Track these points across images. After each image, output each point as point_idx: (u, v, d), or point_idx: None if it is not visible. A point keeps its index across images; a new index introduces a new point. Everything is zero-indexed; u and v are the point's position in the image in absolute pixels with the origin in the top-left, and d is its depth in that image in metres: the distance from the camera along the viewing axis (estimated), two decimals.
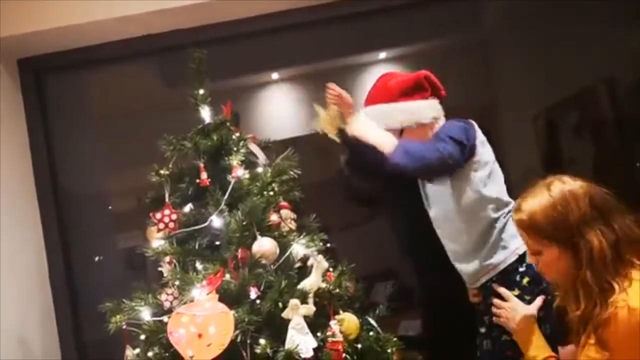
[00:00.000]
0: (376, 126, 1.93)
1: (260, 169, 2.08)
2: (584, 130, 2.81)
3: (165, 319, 1.78)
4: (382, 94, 2.01)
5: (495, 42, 2.89)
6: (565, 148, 2.81)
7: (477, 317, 2.07)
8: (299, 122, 2.80)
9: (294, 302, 1.73)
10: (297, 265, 1.97)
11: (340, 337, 1.82)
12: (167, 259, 1.94)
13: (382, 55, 2.89)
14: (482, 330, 2.04)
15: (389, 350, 1.96)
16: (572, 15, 2.69)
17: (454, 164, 1.85)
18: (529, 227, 1.57)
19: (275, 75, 2.93)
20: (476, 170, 1.92)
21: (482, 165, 1.93)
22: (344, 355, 1.82)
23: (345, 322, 1.90)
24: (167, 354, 1.78)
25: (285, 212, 2.08)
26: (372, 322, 2.10)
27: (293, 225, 2.08)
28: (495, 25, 2.87)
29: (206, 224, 1.92)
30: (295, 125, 2.81)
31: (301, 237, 1.99)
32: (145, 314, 1.84)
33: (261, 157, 2.15)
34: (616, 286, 1.47)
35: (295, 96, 2.87)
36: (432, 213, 2.06)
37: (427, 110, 1.98)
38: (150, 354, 1.81)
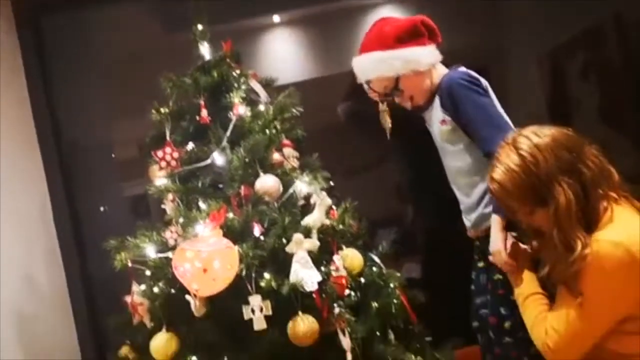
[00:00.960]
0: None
1: (262, 107, 2.05)
2: (590, 71, 2.77)
3: (170, 255, 1.79)
4: (377, 41, 1.93)
5: None
6: (571, 90, 2.79)
7: (475, 250, 2.07)
8: (300, 66, 2.76)
9: (298, 236, 1.74)
10: (301, 203, 1.97)
11: (344, 272, 1.83)
12: (170, 196, 1.93)
13: None
14: (480, 264, 2.05)
15: (391, 285, 1.98)
16: None
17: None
18: (504, 199, 1.56)
19: (276, 19, 2.86)
20: None
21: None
22: (347, 289, 1.84)
23: (349, 258, 1.91)
24: (172, 290, 1.80)
25: (288, 151, 2.07)
26: (376, 258, 2.12)
27: (296, 164, 2.06)
28: None
29: (208, 161, 1.91)
30: (296, 70, 2.76)
31: (304, 175, 1.97)
32: (150, 251, 1.85)
33: (262, 95, 2.12)
34: (579, 243, 1.45)
35: (296, 40, 2.81)
36: (445, 164, 2.04)
37: (423, 57, 1.91)
38: (156, 289, 1.83)
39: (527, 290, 1.72)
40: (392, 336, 1.96)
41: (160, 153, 1.93)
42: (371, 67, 1.91)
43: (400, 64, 1.89)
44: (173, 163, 1.94)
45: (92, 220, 2.72)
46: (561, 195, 1.47)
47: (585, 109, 2.75)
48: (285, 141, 2.07)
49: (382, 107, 1.97)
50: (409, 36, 1.92)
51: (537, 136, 1.52)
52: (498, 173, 1.54)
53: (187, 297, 1.69)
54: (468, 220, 2.04)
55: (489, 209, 1.91)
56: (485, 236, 1.95)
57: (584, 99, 2.76)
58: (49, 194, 2.63)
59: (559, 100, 2.80)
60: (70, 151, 2.71)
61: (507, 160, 1.53)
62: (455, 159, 1.97)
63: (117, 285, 1.98)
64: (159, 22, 2.80)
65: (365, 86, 1.96)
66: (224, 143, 1.90)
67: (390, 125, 2.00)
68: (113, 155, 2.87)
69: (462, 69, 1.94)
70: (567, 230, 1.47)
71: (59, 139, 2.69)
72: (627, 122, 2.73)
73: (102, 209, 2.78)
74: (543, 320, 1.61)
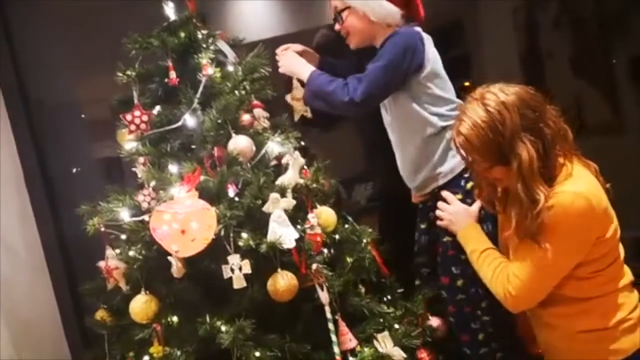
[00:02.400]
0: (305, 63, 2.02)
1: (230, 68, 2.03)
2: (563, 23, 2.78)
3: (145, 218, 1.79)
4: None
5: None
6: (544, 41, 2.78)
7: (419, 213, 2.17)
8: (271, 22, 2.68)
9: (274, 195, 1.76)
10: (273, 163, 1.98)
11: (319, 229, 1.87)
12: (141, 160, 1.91)
13: None
14: (423, 226, 2.16)
15: (364, 241, 2.04)
16: None
17: (363, 105, 1.90)
18: (469, 152, 1.62)
19: None
20: (423, 84, 1.95)
21: (429, 79, 1.95)
22: (322, 246, 1.88)
23: (323, 216, 1.94)
24: (149, 252, 1.80)
25: (258, 111, 2.07)
26: (348, 217, 2.17)
27: (267, 124, 2.07)
28: None
29: (179, 123, 1.89)
30: (266, 26, 2.68)
31: (276, 135, 1.98)
32: (124, 215, 1.84)
33: (230, 55, 2.09)
34: (542, 195, 1.54)
35: None
36: (386, 120, 2.12)
37: (380, 11, 1.95)
38: (131, 253, 1.82)
39: (482, 246, 1.80)
40: (362, 290, 2.02)
41: (129, 116, 1.90)
42: None
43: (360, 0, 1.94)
44: (143, 126, 1.91)
45: (65, 181, 2.65)
46: (524, 151, 1.54)
47: (558, 61, 2.76)
48: (255, 102, 2.06)
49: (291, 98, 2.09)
50: None
51: (504, 93, 1.58)
52: (465, 127, 1.60)
53: (169, 258, 1.70)
54: (412, 182, 2.12)
55: (438, 169, 1.99)
56: (432, 199, 2.05)
57: (556, 51, 2.76)
58: (19, 156, 2.55)
59: (533, 52, 2.81)
60: (39, 111, 2.62)
61: (474, 116, 1.58)
62: (399, 116, 2.03)
63: (94, 247, 1.96)
64: None
65: None
66: (195, 105, 1.88)
67: (301, 114, 2.10)
68: (82, 116, 2.80)
69: (415, 30, 1.98)
70: (531, 184, 1.55)
71: (27, 99, 2.60)
72: (599, 74, 2.76)
73: (74, 170, 2.72)
74: (504, 269, 1.70)
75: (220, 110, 1.86)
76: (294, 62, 2.07)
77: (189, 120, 1.89)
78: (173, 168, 1.87)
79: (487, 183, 1.74)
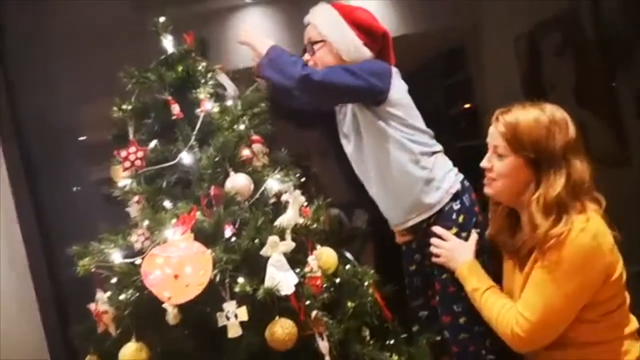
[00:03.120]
0: (261, 36, 2.01)
1: (229, 102, 1.97)
2: (566, 52, 2.77)
3: (137, 260, 1.71)
4: (349, 12, 1.99)
5: None
6: (546, 70, 2.77)
7: (405, 256, 2.13)
8: None
9: (273, 239, 1.68)
10: (272, 200, 1.91)
11: (318, 272, 1.79)
12: (136, 198, 1.84)
13: None
14: (412, 268, 2.11)
15: (366, 283, 1.96)
16: None
17: (315, 87, 1.87)
18: (508, 133, 1.65)
19: None
20: (393, 113, 1.94)
21: (399, 107, 1.95)
22: (322, 289, 1.80)
23: (324, 257, 1.87)
24: (140, 296, 1.72)
25: (258, 147, 2.00)
26: (349, 255, 2.09)
27: (266, 160, 2.00)
28: None
29: (176, 160, 1.83)
30: None
31: (275, 172, 1.91)
32: (116, 256, 1.76)
33: (230, 88, 2.03)
34: (575, 209, 1.58)
35: (268, 22, 2.68)
36: (349, 149, 2.09)
37: (354, 52, 1.96)
38: (122, 296, 1.74)
39: (484, 284, 1.76)
40: (367, 333, 1.93)
41: (123, 153, 1.84)
42: (323, 16, 2.00)
43: (338, 37, 1.96)
44: (138, 163, 1.84)
45: (60, 216, 2.55)
46: (578, 164, 1.61)
47: (561, 90, 2.74)
48: (255, 137, 2.00)
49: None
50: (368, 33, 1.98)
51: (566, 115, 1.67)
52: (525, 114, 1.65)
53: (165, 305, 1.61)
54: (393, 217, 2.07)
55: (422, 202, 1.95)
56: (417, 239, 2.02)
57: (559, 80, 2.75)
58: (9, 182, 2.46)
59: (535, 81, 2.78)
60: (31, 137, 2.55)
61: (538, 113, 1.64)
62: (374, 145, 1.98)
63: (88, 287, 1.87)
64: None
65: (305, 23, 2.04)
66: (192, 141, 1.81)
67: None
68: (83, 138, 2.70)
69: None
70: (576, 195, 1.60)
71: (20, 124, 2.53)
72: (602, 104, 2.74)
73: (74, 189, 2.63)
74: (511, 309, 1.65)
75: (218, 148, 1.79)
76: (256, 35, 2.03)
77: (186, 157, 1.82)
78: (168, 206, 1.80)
79: (503, 215, 1.76)
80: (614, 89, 2.74)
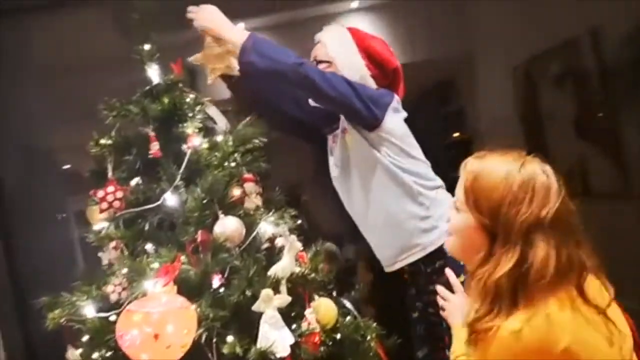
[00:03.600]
0: (227, 20, 1.82)
1: (219, 137, 1.80)
2: (565, 83, 2.72)
3: (112, 316, 1.51)
4: (364, 40, 1.92)
5: None
6: (544, 102, 2.72)
7: (407, 302, 1.98)
8: None
9: (267, 292, 1.50)
10: (265, 246, 1.73)
11: (317, 328, 1.61)
12: (113, 244, 1.65)
13: (354, 4, 2.68)
14: (415, 315, 1.95)
15: (368, 338, 1.77)
16: None
17: (310, 86, 1.75)
18: (468, 185, 1.30)
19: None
20: (383, 137, 1.83)
21: (393, 137, 1.84)
22: (322, 348, 1.61)
23: (322, 309, 1.68)
24: (115, 355, 1.52)
25: (250, 186, 1.82)
26: (349, 305, 1.90)
27: (259, 201, 1.83)
28: None
29: (159, 202, 1.65)
30: None
31: (269, 214, 1.74)
32: (89, 310, 1.57)
33: (221, 122, 1.87)
34: (525, 301, 1.22)
35: None
36: (339, 179, 1.97)
37: (360, 80, 1.86)
38: (95, 355, 1.55)
39: (459, 350, 1.51)
40: None
41: (101, 193, 1.66)
42: (336, 37, 1.91)
43: (345, 62, 1.87)
44: (116, 204, 1.66)
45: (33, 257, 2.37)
46: (542, 250, 1.21)
47: (560, 123, 2.68)
48: (247, 175, 1.82)
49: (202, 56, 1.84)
50: (378, 66, 1.90)
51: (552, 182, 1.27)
52: (495, 167, 1.28)
53: None
54: (383, 254, 1.92)
55: (415, 240, 1.80)
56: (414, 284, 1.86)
57: (557, 112, 2.69)
58: None
59: (533, 112, 2.73)
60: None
61: (511, 170, 1.27)
62: (367, 175, 1.86)
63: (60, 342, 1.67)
64: (110, 27, 2.49)
65: (316, 40, 1.96)
66: (178, 181, 1.64)
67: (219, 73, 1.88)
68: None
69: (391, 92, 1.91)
70: (524, 287, 1.21)
71: None
72: (602, 136, 2.66)
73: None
74: None
75: (207, 189, 1.62)
76: (219, 19, 1.82)
77: (170, 198, 1.65)
78: (150, 252, 1.61)
79: None
80: (617, 121, 2.65)
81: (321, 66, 1.90)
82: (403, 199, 1.83)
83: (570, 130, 2.67)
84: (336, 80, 1.78)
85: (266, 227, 1.72)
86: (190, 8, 1.83)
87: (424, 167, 1.90)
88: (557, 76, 2.70)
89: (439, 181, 1.92)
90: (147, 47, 1.78)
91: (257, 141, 1.81)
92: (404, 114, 1.92)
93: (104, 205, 1.66)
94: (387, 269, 1.96)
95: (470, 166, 1.32)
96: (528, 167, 1.27)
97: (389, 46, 1.98)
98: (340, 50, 1.90)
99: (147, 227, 1.67)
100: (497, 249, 1.25)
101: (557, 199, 1.25)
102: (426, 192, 1.85)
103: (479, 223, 1.27)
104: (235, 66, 1.83)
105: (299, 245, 1.69)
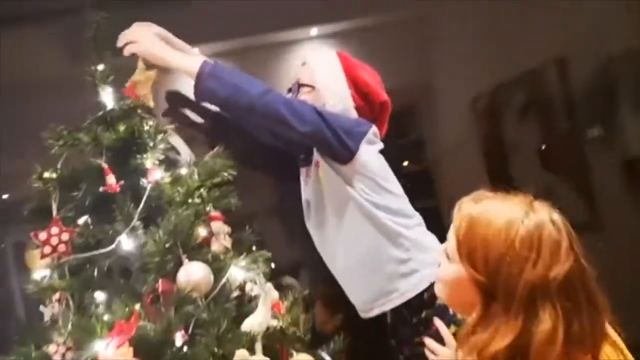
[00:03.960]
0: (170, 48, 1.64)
1: (184, 170, 1.59)
2: (529, 114, 2.65)
3: None
4: (353, 69, 1.79)
5: (432, 19, 2.66)
6: (507, 132, 2.65)
7: (389, 354, 1.81)
8: None
9: (242, 354, 1.28)
10: (235, 294, 1.52)
11: None
12: (57, 295, 1.41)
13: (313, 32, 2.56)
14: None
15: None
16: None
17: (277, 118, 1.61)
18: (461, 232, 1.10)
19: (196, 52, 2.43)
20: (358, 170, 1.69)
21: (368, 171, 1.70)
22: None
23: None
24: None
25: (218, 226, 1.62)
26: (327, 358, 1.70)
27: (228, 242, 1.62)
28: (434, 2, 2.63)
29: (113, 246, 1.41)
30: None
31: (241, 257, 1.53)
32: None
33: (185, 152, 1.66)
34: None
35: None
36: (310, 217, 1.82)
37: (342, 111, 1.75)
38: None
39: None
40: None
41: (43, 235, 1.41)
42: (324, 62, 1.80)
43: (330, 89, 1.76)
44: (61, 248, 1.42)
45: None
46: (547, 322, 1.02)
47: (524, 153, 2.61)
48: (214, 213, 1.62)
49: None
50: (365, 98, 1.79)
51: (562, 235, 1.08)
52: (495, 211, 1.08)
53: None
54: (359, 302, 1.77)
55: (394, 284, 1.65)
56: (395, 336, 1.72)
57: (521, 143, 2.63)
58: None
59: (495, 142, 2.66)
60: None
61: (515, 218, 1.07)
62: (340, 211, 1.71)
63: None
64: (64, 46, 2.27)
65: (301, 62, 1.85)
66: (135, 221, 1.41)
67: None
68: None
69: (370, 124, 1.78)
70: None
71: None
72: (569, 168, 2.61)
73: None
74: None
75: (170, 230, 1.40)
76: (157, 44, 1.63)
77: (126, 241, 1.42)
78: (100, 308, 1.38)
79: None
80: (583, 151, 2.60)
81: (304, 90, 1.77)
82: (380, 240, 1.68)
83: (535, 160, 2.60)
84: (305, 110, 1.63)
85: (236, 273, 1.51)
86: (124, 33, 1.64)
87: (403, 202, 1.75)
88: (520, 106, 2.65)
89: (418, 218, 1.77)
90: (100, 67, 1.56)
91: (226, 174, 1.61)
92: (380, 145, 1.77)
93: (47, 249, 1.41)
94: (363, 315, 1.79)
95: (465, 210, 1.12)
96: (534, 217, 1.07)
97: (379, 78, 1.85)
98: (326, 77, 1.77)
99: (96, 277, 1.43)
100: (494, 311, 1.05)
101: (568, 257, 1.05)
102: (406, 232, 1.70)
103: (472, 278, 1.07)
104: (149, 97, 1.64)
105: (275, 295, 1.48)
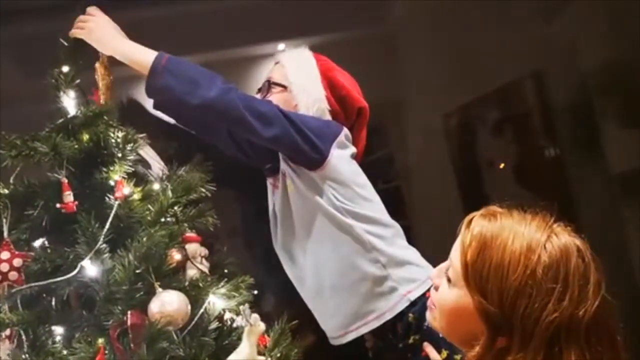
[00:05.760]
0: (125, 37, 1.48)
1: (156, 185, 1.42)
2: (504, 129, 2.61)
3: None
4: (331, 67, 1.69)
5: (402, 33, 2.62)
6: (481, 149, 2.62)
7: None
8: None
9: None
10: (214, 325, 1.35)
11: None
12: (7, 331, 1.21)
13: (281, 47, 2.48)
14: None
15: None
16: (491, 7, 2.43)
17: (238, 117, 1.45)
18: (468, 254, 0.96)
19: None
20: (331, 180, 1.56)
21: (340, 176, 1.57)
22: None
23: None
24: None
25: (194, 248, 1.45)
26: None
27: (205, 267, 1.45)
28: (404, 17, 2.63)
29: (74, 272, 1.23)
30: None
31: (220, 284, 1.36)
32: None
33: (156, 166, 1.50)
34: None
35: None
36: (277, 232, 1.66)
37: (318, 109, 1.63)
38: None
39: None
40: None
41: None
42: (299, 61, 1.68)
43: (304, 90, 1.63)
44: (13, 275, 1.23)
45: None
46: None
47: (499, 170, 2.57)
48: (190, 234, 1.45)
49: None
50: (341, 102, 1.67)
51: (588, 261, 0.93)
52: (512, 233, 0.94)
53: None
54: (331, 327, 1.62)
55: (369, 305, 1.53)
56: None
57: (497, 158, 2.58)
58: None
59: (468, 158, 2.63)
60: None
61: (537, 243, 0.93)
62: (308, 224, 1.57)
63: None
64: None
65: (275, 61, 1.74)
66: (100, 244, 1.23)
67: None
68: None
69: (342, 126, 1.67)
70: None
71: None
72: (545, 184, 2.55)
73: None
74: None
75: (141, 255, 1.22)
76: (108, 32, 1.46)
77: (90, 268, 1.23)
78: (58, 346, 1.19)
79: None
80: (562, 167, 2.57)
81: (274, 90, 1.64)
82: (353, 256, 1.53)
83: (510, 177, 2.55)
84: (268, 111, 1.49)
85: (215, 301, 1.34)
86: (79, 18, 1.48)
87: (380, 211, 1.61)
88: (494, 122, 2.60)
89: (396, 228, 1.63)
90: (65, 69, 1.39)
91: (203, 190, 1.44)
92: (353, 150, 1.64)
93: None
94: (335, 342, 1.63)
95: (477, 228, 0.97)
96: (557, 241, 0.93)
97: (358, 85, 1.73)
98: (300, 77, 1.65)
99: (54, 309, 1.24)
100: (503, 346, 0.91)
101: (598, 292, 0.91)
102: (381, 245, 1.55)
103: (481, 309, 0.92)
104: (106, 96, 1.47)
105: (262, 327, 1.31)
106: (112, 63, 1.49)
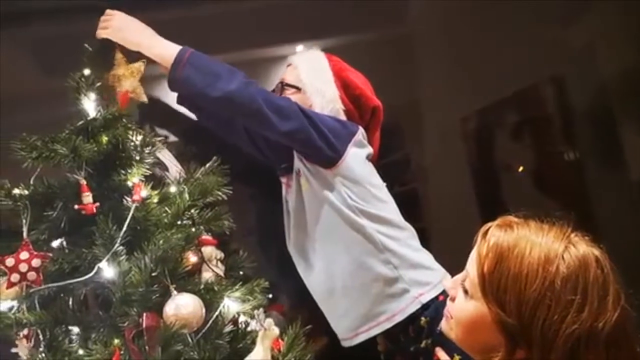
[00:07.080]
0: (151, 32, 1.51)
1: (173, 188, 1.42)
2: (520, 133, 2.54)
3: None
4: (344, 71, 1.68)
5: (419, 35, 2.56)
6: (499, 152, 2.54)
7: None
8: None
9: None
10: (229, 328, 1.36)
11: None
12: (25, 332, 1.23)
13: (298, 49, 2.43)
14: None
15: None
16: (508, 11, 2.40)
17: (256, 112, 1.47)
18: (485, 266, 0.95)
19: None
20: (346, 179, 1.56)
21: (355, 175, 1.58)
22: None
23: None
24: None
25: (209, 251, 1.45)
26: None
27: (221, 270, 1.45)
28: (421, 19, 2.56)
29: (91, 274, 1.24)
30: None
31: (235, 287, 1.37)
32: None
33: (173, 169, 1.50)
34: None
35: None
36: (290, 231, 1.66)
37: (333, 109, 1.63)
38: None
39: None
40: None
41: (10, 260, 1.23)
42: (312, 63, 1.69)
43: (318, 91, 1.63)
44: (32, 276, 1.24)
45: None
46: None
47: (518, 175, 2.50)
48: (206, 237, 1.45)
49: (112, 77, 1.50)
50: (355, 101, 1.67)
51: (607, 271, 0.93)
52: (530, 243, 0.93)
53: None
54: (341, 328, 1.61)
55: (379, 307, 1.52)
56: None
57: (516, 161, 2.51)
58: None
59: (486, 161, 2.57)
60: None
61: (555, 254, 0.92)
62: (321, 223, 1.57)
63: None
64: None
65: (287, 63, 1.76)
66: (117, 246, 1.24)
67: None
68: None
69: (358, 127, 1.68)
70: None
71: None
72: (563, 189, 2.49)
73: None
74: None
75: (157, 257, 1.23)
76: (132, 28, 1.50)
77: (106, 269, 1.24)
78: (75, 345, 1.20)
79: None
80: (582, 171, 2.50)
81: (288, 92, 1.65)
82: (365, 256, 1.53)
83: (528, 182, 2.49)
84: (287, 106, 1.50)
85: (230, 305, 1.35)
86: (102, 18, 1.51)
87: (394, 212, 1.62)
88: (513, 125, 2.55)
89: (410, 231, 1.63)
90: (86, 72, 1.40)
91: (220, 193, 1.45)
92: (370, 150, 1.65)
93: (15, 277, 1.24)
94: (346, 344, 1.62)
95: (493, 239, 0.96)
96: (575, 252, 0.92)
97: (370, 84, 1.73)
98: (314, 78, 1.65)
99: (71, 309, 1.25)
100: (522, 359, 0.90)
101: (618, 303, 0.90)
102: (394, 246, 1.55)
103: (499, 321, 0.92)
104: (140, 91, 1.49)
105: (276, 331, 1.31)
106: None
